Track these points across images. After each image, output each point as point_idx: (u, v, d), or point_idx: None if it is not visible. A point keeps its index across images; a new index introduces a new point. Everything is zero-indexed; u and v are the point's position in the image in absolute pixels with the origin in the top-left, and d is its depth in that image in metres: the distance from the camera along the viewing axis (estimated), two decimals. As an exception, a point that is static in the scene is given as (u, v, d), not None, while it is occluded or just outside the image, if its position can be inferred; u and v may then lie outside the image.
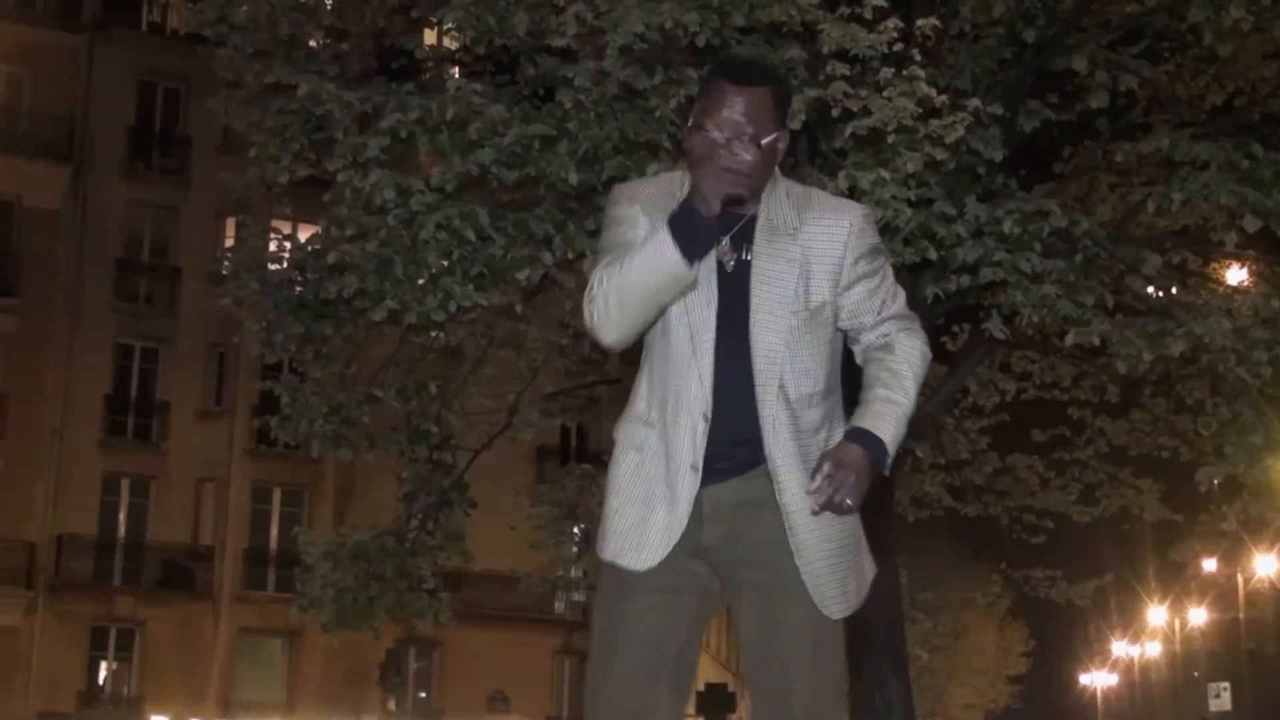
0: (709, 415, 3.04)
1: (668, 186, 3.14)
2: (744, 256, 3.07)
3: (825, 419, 3.12)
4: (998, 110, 9.91)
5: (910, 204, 9.26)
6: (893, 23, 9.20)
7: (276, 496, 32.29)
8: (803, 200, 3.12)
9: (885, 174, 9.02)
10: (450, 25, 10.55)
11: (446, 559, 13.68)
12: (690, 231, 2.87)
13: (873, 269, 3.13)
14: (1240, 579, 42.31)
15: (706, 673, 25.57)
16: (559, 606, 33.14)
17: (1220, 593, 46.49)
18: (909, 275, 10.10)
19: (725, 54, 9.24)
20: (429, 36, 12.78)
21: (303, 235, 11.92)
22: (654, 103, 9.34)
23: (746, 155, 2.94)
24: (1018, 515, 16.45)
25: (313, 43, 11.74)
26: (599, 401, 14.81)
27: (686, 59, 9.54)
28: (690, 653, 3.17)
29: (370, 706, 30.22)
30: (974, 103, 9.41)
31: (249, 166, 11.42)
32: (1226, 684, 44.56)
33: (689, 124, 3.07)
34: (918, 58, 9.36)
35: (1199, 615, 49.43)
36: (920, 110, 9.09)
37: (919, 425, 11.78)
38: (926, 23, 9.62)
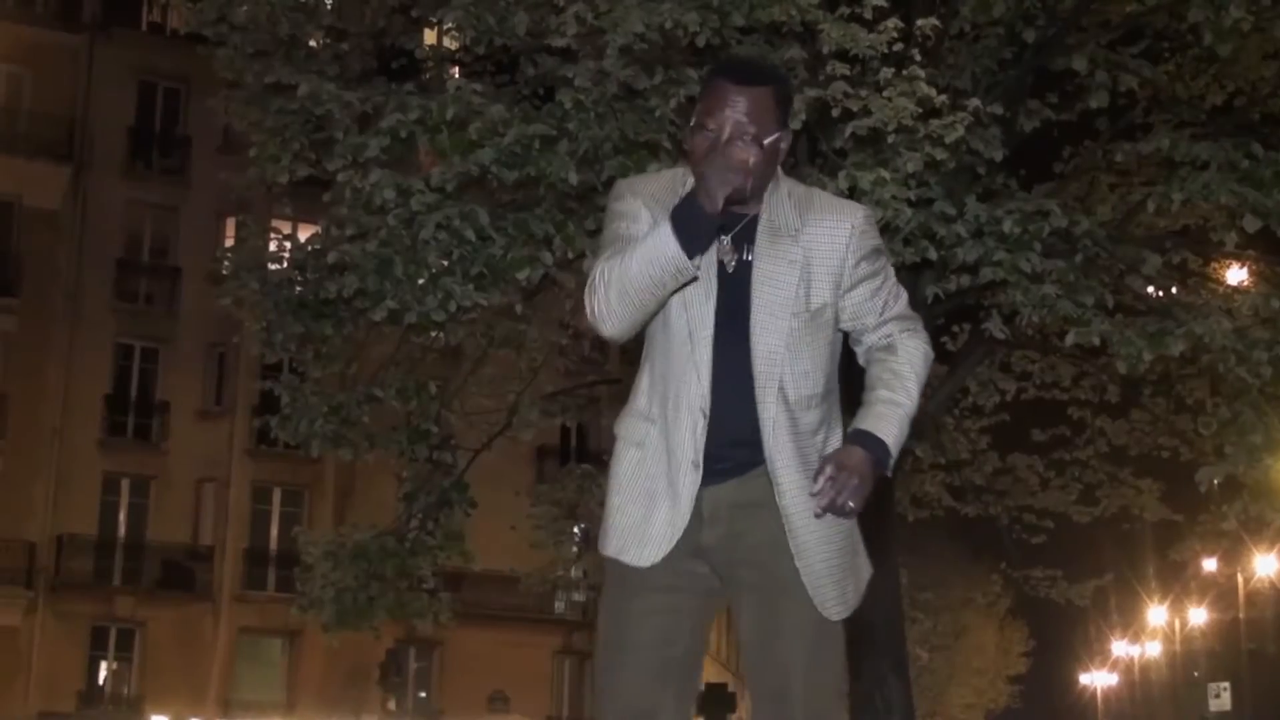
0: (707, 411, 3.05)
1: (670, 183, 3.14)
2: (745, 257, 3.06)
3: (823, 420, 3.12)
4: (998, 110, 9.91)
5: (910, 204, 9.27)
6: (893, 23, 9.20)
7: (276, 496, 32.29)
8: (804, 201, 3.12)
9: (885, 174, 9.02)
10: (450, 25, 10.55)
11: (446, 559, 13.69)
12: (692, 225, 2.87)
13: (874, 270, 3.13)
14: (1240, 579, 42.30)
15: (706, 673, 25.57)
16: (559, 606, 33.14)
17: (1220, 592, 46.50)
18: (909, 275, 10.10)
19: (726, 54, 9.24)
20: (429, 36, 12.79)
21: (303, 235, 11.92)
22: (654, 103, 9.34)
23: (749, 154, 2.94)
24: (1018, 515, 16.45)
25: (313, 43, 11.74)
26: (599, 401, 14.81)
27: (686, 59, 9.54)
28: (695, 654, 3.18)
29: (370, 706, 30.21)
30: (974, 103, 9.41)
31: (249, 166, 11.42)
32: (1226, 684, 44.57)
33: (691, 124, 3.07)
34: (918, 58, 9.36)
35: (1199, 615, 49.43)
36: (920, 110, 9.09)
37: (919, 425, 11.77)
38: (926, 23, 9.62)
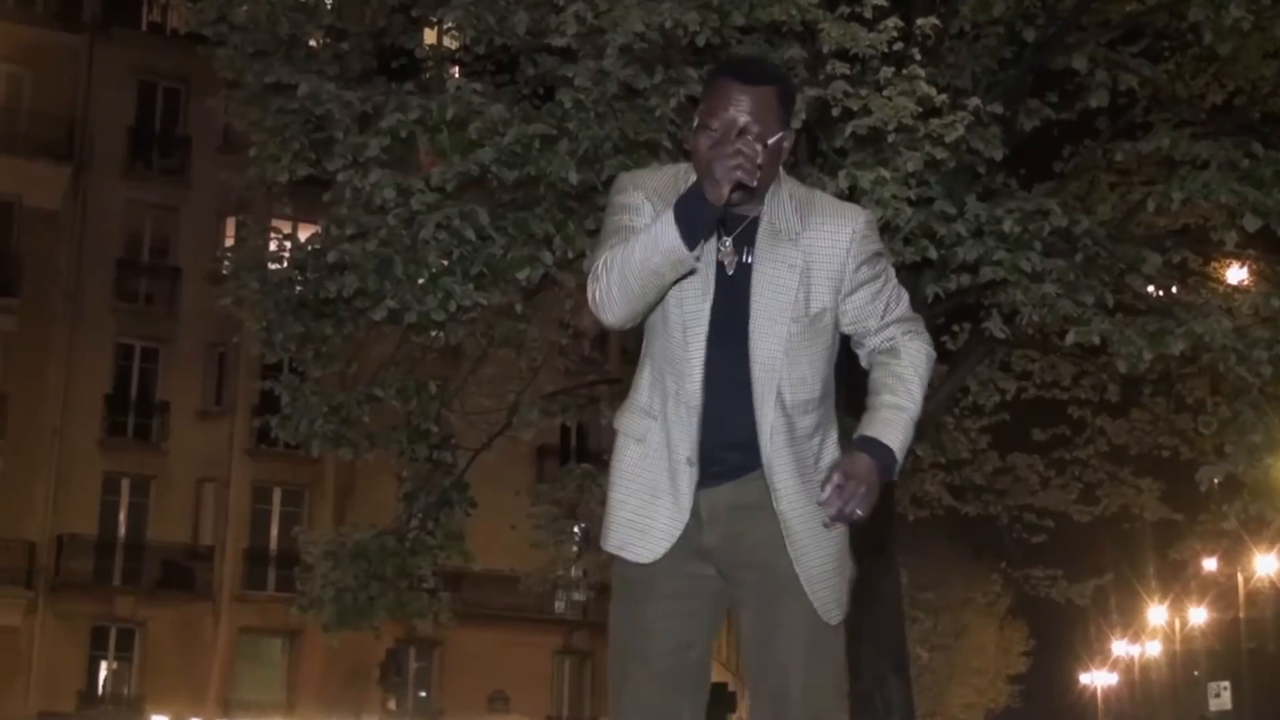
0: (698, 409, 3.05)
1: (673, 178, 3.14)
2: (745, 259, 3.06)
3: (819, 424, 3.13)
4: (998, 109, 9.91)
5: (910, 203, 9.27)
6: (893, 22, 9.20)
7: (276, 496, 32.30)
8: (806, 204, 3.11)
9: (885, 173, 9.02)
10: (450, 25, 10.55)
11: (446, 558, 13.68)
12: (694, 216, 2.86)
13: (875, 274, 3.13)
14: (1240, 578, 42.30)
15: (707, 672, 25.52)
16: (559, 606, 33.14)
17: (1220, 592, 46.49)
18: (909, 274, 10.10)
19: (727, 53, 9.24)
20: (429, 36, 12.79)
21: (303, 235, 11.92)
22: (654, 102, 9.34)
23: (756, 149, 2.94)
24: (1018, 514, 16.44)
25: (313, 42, 11.74)
26: (599, 401, 14.79)
27: (686, 58, 9.54)
28: (707, 657, 3.20)
29: (370, 706, 30.23)
30: (974, 102, 9.41)
31: (249, 166, 11.42)
32: (1227, 683, 44.55)
33: (694, 123, 3.07)
34: (918, 57, 9.36)
35: (1199, 614, 49.42)
36: (920, 109, 9.09)
37: (920, 425, 11.78)
38: (926, 22, 9.62)
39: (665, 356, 3.09)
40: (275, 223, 13.33)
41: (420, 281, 9.83)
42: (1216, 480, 10.72)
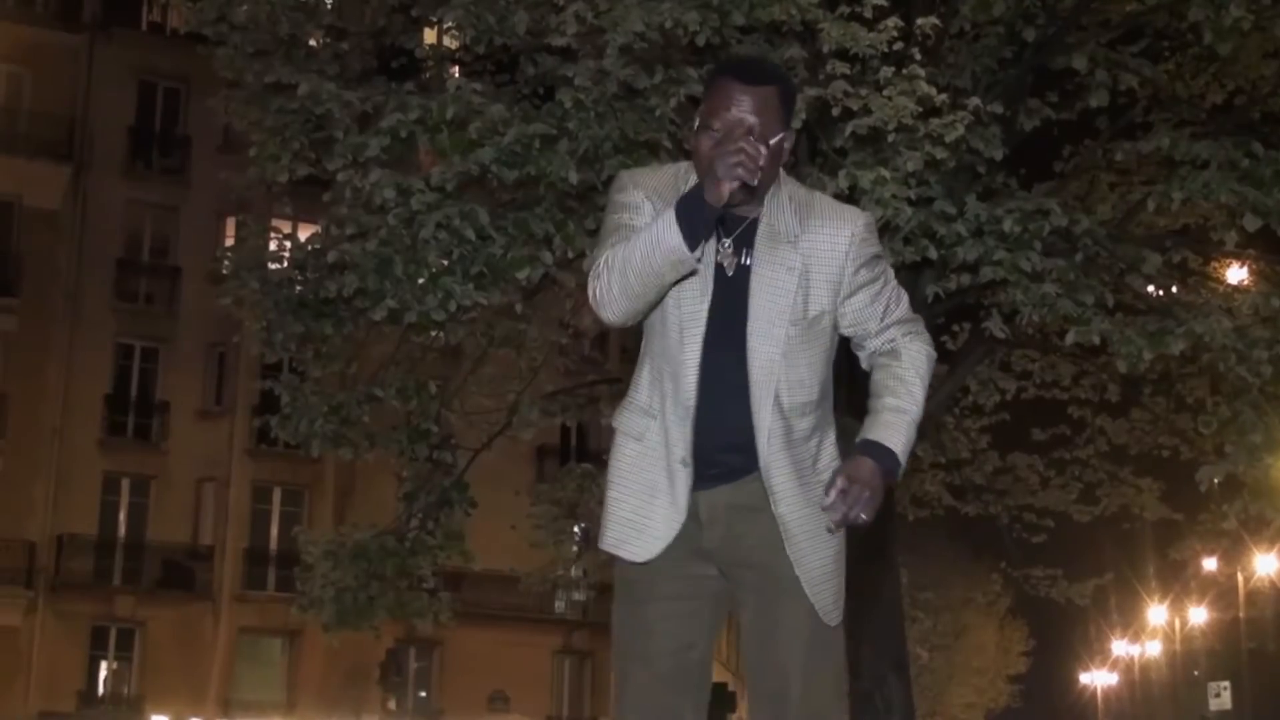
0: (692, 410, 3.05)
1: (673, 177, 3.14)
2: (744, 261, 3.06)
3: (817, 426, 3.13)
4: (998, 109, 9.91)
5: (910, 203, 9.27)
6: (893, 22, 9.21)
7: (276, 496, 32.29)
8: (805, 206, 3.11)
9: (885, 173, 9.02)
10: (450, 24, 10.55)
11: (446, 558, 13.67)
12: (695, 216, 2.85)
13: (874, 276, 3.13)
14: (1240, 578, 42.30)
15: (707, 672, 25.52)
16: (559, 606, 33.14)
17: (1220, 592, 46.48)
18: (909, 274, 10.10)
19: (727, 53, 9.24)
20: (429, 36, 12.79)
21: (303, 235, 11.92)
22: (654, 102, 9.34)
23: (759, 149, 2.93)
24: (1018, 514, 16.44)
25: (313, 42, 11.74)
26: (599, 401, 14.79)
27: (686, 58, 9.54)
28: (709, 657, 3.21)
29: (370, 706, 30.22)
30: (974, 101, 9.41)
31: (249, 166, 11.42)
32: (1227, 683, 44.55)
33: (695, 123, 3.07)
34: (918, 57, 9.36)
35: (1199, 614, 49.41)
36: (920, 109, 9.09)
37: (920, 425, 11.78)
38: (926, 22, 9.62)
39: (663, 357, 3.09)
40: (275, 222, 13.32)
41: (420, 281, 9.83)
42: (1216, 480, 10.72)
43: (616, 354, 26.15)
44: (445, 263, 9.85)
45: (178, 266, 32.15)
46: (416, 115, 9.55)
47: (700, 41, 9.20)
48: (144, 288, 32.52)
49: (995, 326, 10.61)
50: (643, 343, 3.17)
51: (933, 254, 9.71)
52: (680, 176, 3.13)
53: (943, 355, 13.36)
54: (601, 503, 3.20)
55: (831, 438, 3.17)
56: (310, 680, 31.20)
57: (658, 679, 3.11)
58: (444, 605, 13.93)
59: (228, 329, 15.34)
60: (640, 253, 2.90)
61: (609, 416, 3.21)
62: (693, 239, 2.85)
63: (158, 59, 31.90)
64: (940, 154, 9.16)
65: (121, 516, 31.50)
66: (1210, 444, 11.93)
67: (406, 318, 10.11)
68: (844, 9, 9.33)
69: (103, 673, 31.10)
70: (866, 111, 9.12)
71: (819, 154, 10.16)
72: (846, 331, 3.16)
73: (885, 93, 9.07)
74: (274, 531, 31.95)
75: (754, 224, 3.07)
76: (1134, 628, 56.67)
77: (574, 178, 9.37)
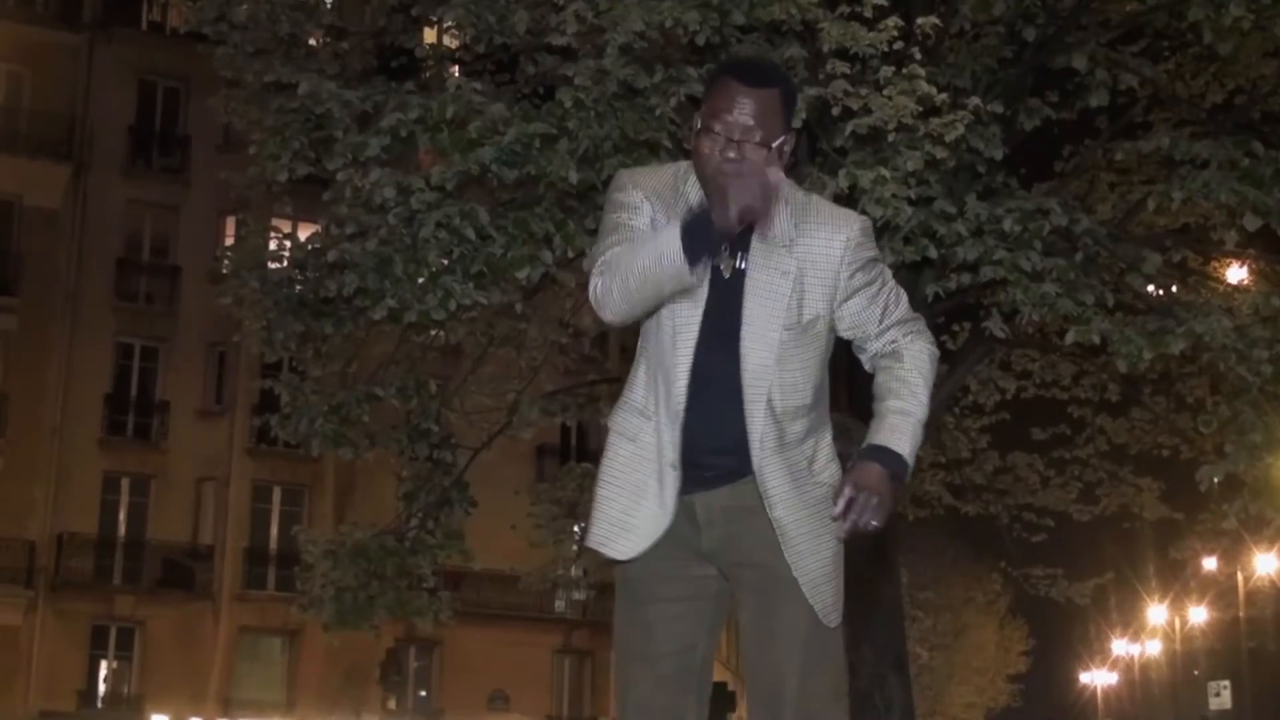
0: (681, 414, 3.05)
1: (672, 178, 3.14)
2: (738, 265, 3.05)
3: (811, 429, 3.13)
4: (998, 108, 9.90)
5: (910, 202, 9.26)
6: (893, 21, 9.20)
7: (276, 495, 32.29)
8: (801, 210, 3.11)
9: (885, 172, 9.02)
10: (450, 24, 10.54)
11: (446, 558, 13.66)
12: (701, 237, 2.83)
13: (870, 279, 3.12)
14: (1240, 577, 42.30)
15: (707, 671, 25.51)
16: (559, 605, 33.14)
17: (1220, 591, 46.48)
18: (909, 273, 10.09)
19: (728, 53, 9.24)
20: (429, 35, 12.79)
21: (303, 234, 11.91)
22: (654, 101, 9.34)
23: (778, 178, 2.93)
24: (1018, 514, 16.43)
25: (313, 41, 11.75)
26: (599, 400, 14.77)
27: (686, 57, 9.54)
28: (710, 657, 3.21)
29: (370, 705, 30.24)
30: (974, 101, 9.41)
31: (249, 165, 11.42)
32: (1227, 682, 44.60)
33: (697, 125, 3.06)
34: (918, 56, 9.36)
35: (1199, 614, 49.40)
36: (920, 108, 9.08)
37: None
38: (927, 21, 9.62)
39: (657, 358, 3.10)
40: (275, 222, 13.32)
41: (420, 280, 9.83)
42: (1216, 479, 10.70)
43: (616, 353, 26.14)
44: (445, 262, 9.85)
45: (178, 266, 32.16)
46: (416, 114, 9.55)
47: (700, 41, 9.20)
48: (144, 287, 32.53)
49: (995, 326, 10.61)
50: (639, 343, 3.17)
51: (933, 253, 9.70)
52: (680, 177, 3.12)
53: (943, 355, 13.26)
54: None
55: (828, 439, 3.17)
56: (310, 680, 31.20)
57: (660, 680, 3.12)
58: (444, 604, 13.91)
59: (228, 328, 15.33)
60: (642, 263, 2.89)
61: (609, 416, 3.22)
62: (695, 259, 2.84)
63: (158, 58, 31.91)
64: (940, 153, 9.16)
65: (121, 516, 31.51)
66: (1210, 443, 11.93)
67: (406, 317, 10.11)
68: (844, 8, 9.32)
69: (103, 672, 31.10)
70: (866, 111, 9.12)
71: (819, 153, 10.16)
72: (846, 334, 3.16)
73: (885, 92, 9.07)
74: (274, 531, 31.95)
75: (750, 227, 3.07)
76: (1134, 627, 56.66)
77: (574, 177, 9.37)
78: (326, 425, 12.19)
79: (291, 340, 11.67)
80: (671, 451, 3.06)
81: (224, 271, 12.55)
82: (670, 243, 2.84)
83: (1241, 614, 43.26)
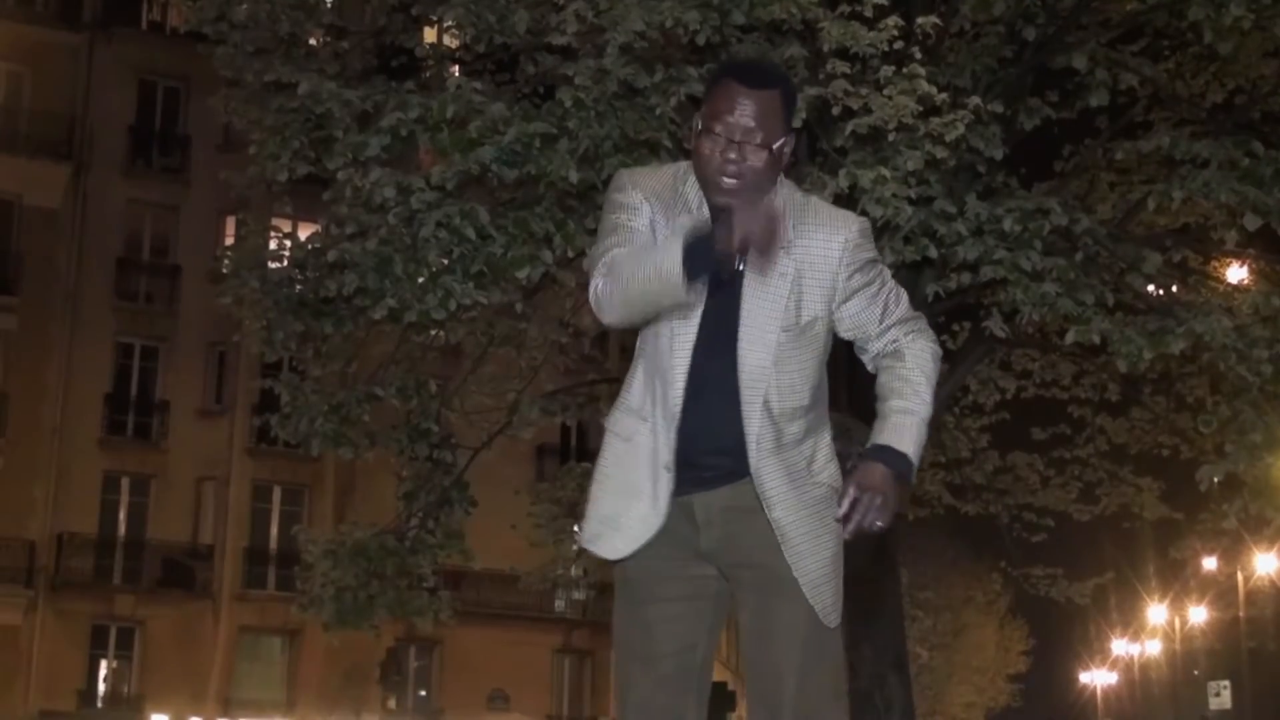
0: (677, 416, 3.05)
1: (672, 178, 3.14)
2: (737, 266, 3.04)
3: (809, 430, 3.13)
4: (998, 108, 9.91)
5: (911, 202, 9.26)
6: (893, 21, 9.20)
7: (276, 495, 32.29)
8: (800, 211, 3.10)
9: (885, 172, 9.01)
10: (450, 23, 10.55)
11: (446, 557, 13.66)
12: (701, 259, 2.82)
13: (868, 280, 3.12)
14: (1240, 577, 42.29)
15: (707, 671, 25.50)
16: (559, 605, 33.13)
17: (1220, 591, 46.48)
18: (909, 273, 10.09)
19: (728, 53, 9.24)
20: (429, 35, 12.79)
21: (303, 233, 11.91)
22: (654, 101, 9.34)
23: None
24: (1018, 513, 16.43)
25: (313, 41, 11.75)
26: (599, 400, 14.77)
27: (687, 57, 9.54)
28: (710, 656, 3.22)
29: (370, 705, 30.24)
30: (974, 101, 9.41)
31: (249, 165, 11.42)
32: (1226, 682, 44.58)
33: (698, 126, 3.05)
34: (918, 56, 9.36)
35: (1199, 613, 49.39)
36: (921, 108, 9.08)
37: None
38: (927, 21, 9.62)
39: (654, 360, 3.10)
40: (275, 221, 13.32)
41: (420, 280, 9.83)
42: (1216, 479, 10.70)
43: (616, 353, 26.14)
44: (445, 261, 9.85)
45: (178, 265, 32.15)
46: (417, 114, 9.55)
47: (700, 40, 9.21)
48: (144, 287, 32.53)
49: (995, 326, 10.61)
50: (637, 345, 3.17)
51: (933, 253, 9.70)
52: (679, 177, 3.12)
53: (943, 354, 13.33)
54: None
55: (827, 439, 3.17)
56: (310, 679, 31.20)
57: (660, 680, 3.12)
58: (444, 604, 13.91)
59: (228, 328, 15.34)
60: (642, 274, 2.88)
61: (606, 416, 3.22)
62: (693, 278, 2.83)
63: (158, 58, 31.91)
64: (940, 153, 9.16)
65: (121, 515, 31.50)
66: (1210, 443, 11.93)
67: (406, 316, 10.11)
68: (844, 8, 9.32)
69: (102, 672, 31.10)
70: (867, 110, 9.12)
71: (819, 153, 10.15)
72: (847, 335, 3.16)
73: (885, 92, 9.07)
74: (274, 530, 31.95)
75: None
76: (1134, 627, 56.66)
77: (574, 177, 9.37)
78: (326, 425, 12.19)
79: (291, 340, 11.67)
80: (666, 453, 3.06)
81: (224, 271, 12.55)
82: (670, 259, 2.82)
83: (1241, 614, 43.26)
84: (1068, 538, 18.27)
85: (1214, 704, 44.38)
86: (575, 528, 15.77)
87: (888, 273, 3.21)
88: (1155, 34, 12.09)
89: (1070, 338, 10.06)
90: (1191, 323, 9.59)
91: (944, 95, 9.21)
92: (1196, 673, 52.17)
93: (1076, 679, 65.37)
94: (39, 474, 30.12)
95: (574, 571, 18.13)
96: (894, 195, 9.02)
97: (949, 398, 13.87)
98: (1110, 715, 61.83)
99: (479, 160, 9.37)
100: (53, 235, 31.11)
